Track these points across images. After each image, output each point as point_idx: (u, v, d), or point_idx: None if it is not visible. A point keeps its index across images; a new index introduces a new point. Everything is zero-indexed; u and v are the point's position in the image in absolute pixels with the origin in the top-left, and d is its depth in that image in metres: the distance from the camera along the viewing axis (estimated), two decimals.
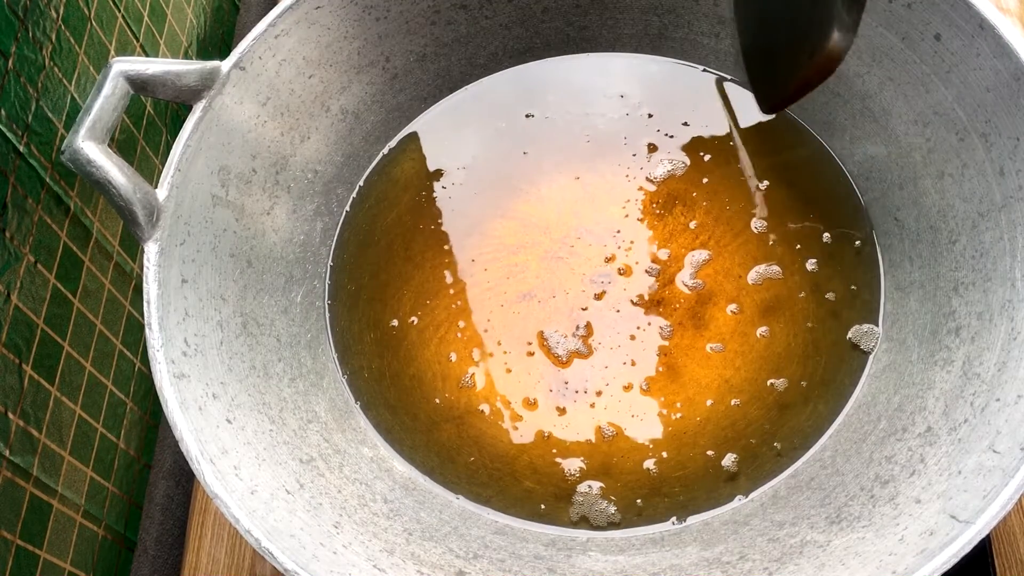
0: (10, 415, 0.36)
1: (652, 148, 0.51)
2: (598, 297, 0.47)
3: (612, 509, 0.43)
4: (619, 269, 0.48)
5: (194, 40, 0.55)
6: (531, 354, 0.46)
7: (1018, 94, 0.39)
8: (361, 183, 0.51)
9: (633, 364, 0.46)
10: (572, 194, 0.50)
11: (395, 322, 0.48)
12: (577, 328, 0.47)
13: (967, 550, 0.32)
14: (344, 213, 0.51)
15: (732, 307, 0.46)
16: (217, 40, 0.59)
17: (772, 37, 0.45)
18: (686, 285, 0.47)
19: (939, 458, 0.38)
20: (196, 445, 0.35)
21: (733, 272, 0.47)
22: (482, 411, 0.46)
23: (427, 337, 0.47)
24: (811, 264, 0.47)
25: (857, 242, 0.47)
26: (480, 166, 0.51)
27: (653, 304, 0.47)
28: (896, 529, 0.36)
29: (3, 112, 0.36)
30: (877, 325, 0.46)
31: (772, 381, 0.45)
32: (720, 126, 0.51)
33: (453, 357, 0.47)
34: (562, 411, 0.45)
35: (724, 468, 0.43)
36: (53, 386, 0.40)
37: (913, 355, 0.43)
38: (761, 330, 0.46)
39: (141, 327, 0.48)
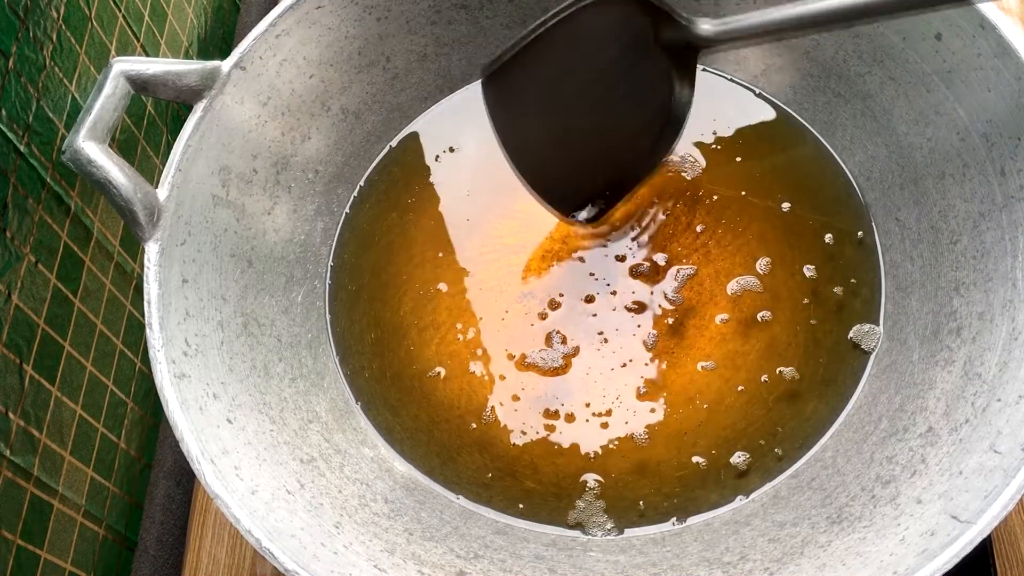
0: (11, 415, 0.36)
1: None
2: (599, 298, 0.47)
3: (610, 525, 0.43)
4: (619, 270, 0.48)
5: (195, 40, 0.55)
6: (530, 356, 0.46)
7: (1019, 94, 0.39)
8: (362, 183, 0.51)
9: (630, 365, 0.46)
10: None
11: (397, 324, 0.48)
12: (576, 329, 0.47)
13: (968, 550, 0.32)
14: (345, 213, 0.51)
15: (733, 308, 0.46)
16: (218, 40, 0.59)
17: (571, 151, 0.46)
18: (687, 287, 0.47)
19: (940, 458, 0.38)
20: (197, 445, 0.35)
21: (734, 273, 0.47)
22: (482, 411, 0.46)
23: (427, 337, 0.47)
24: (812, 263, 0.47)
25: (858, 240, 0.47)
26: (481, 166, 0.51)
27: (653, 305, 0.47)
28: (897, 529, 0.36)
29: (4, 112, 0.36)
30: (878, 325, 0.46)
31: (773, 379, 0.45)
32: (721, 126, 0.51)
33: (454, 357, 0.47)
34: (567, 415, 0.45)
35: (724, 467, 0.43)
36: (54, 386, 0.40)
37: (914, 355, 0.43)
38: (762, 330, 0.46)
39: (142, 327, 0.48)
